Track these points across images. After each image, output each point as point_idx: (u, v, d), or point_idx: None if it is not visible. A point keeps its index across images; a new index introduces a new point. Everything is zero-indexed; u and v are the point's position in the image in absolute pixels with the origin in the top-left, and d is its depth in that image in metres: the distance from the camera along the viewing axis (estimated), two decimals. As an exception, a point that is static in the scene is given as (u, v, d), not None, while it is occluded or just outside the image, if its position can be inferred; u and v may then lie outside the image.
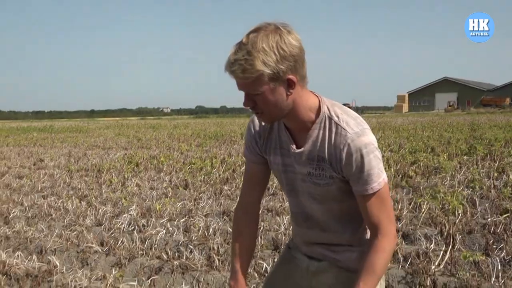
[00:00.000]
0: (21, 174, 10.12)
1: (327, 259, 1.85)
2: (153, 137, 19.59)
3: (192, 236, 4.74)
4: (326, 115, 1.61)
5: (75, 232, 5.19)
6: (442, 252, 3.90)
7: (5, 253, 4.62)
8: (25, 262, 4.38)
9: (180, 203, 6.16)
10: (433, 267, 3.70)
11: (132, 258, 4.38)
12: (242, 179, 1.95)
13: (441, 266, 3.74)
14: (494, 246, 4.15)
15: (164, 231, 4.96)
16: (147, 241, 4.70)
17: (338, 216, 1.76)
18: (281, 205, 5.73)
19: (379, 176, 1.58)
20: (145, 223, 5.34)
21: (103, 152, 14.15)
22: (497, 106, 53.05)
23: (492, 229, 4.55)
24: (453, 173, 7.52)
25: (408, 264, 3.80)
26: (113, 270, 4.13)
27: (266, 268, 3.86)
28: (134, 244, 4.68)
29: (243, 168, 3.38)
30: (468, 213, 5.05)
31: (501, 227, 4.55)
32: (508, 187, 6.21)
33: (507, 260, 3.85)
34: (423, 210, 5.16)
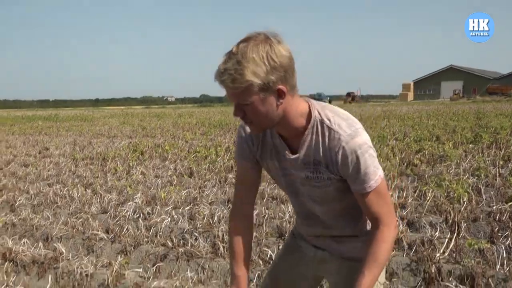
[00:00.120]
0: (27, 162, 10.16)
1: (331, 249, 1.89)
2: (157, 126, 19.59)
3: (197, 224, 4.75)
4: (318, 120, 1.62)
5: (80, 220, 5.22)
6: (447, 240, 3.90)
7: (12, 240, 4.65)
8: (31, 249, 4.41)
9: (185, 191, 6.17)
10: (437, 254, 3.70)
11: (138, 245, 4.40)
12: (235, 184, 1.94)
13: (446, 254, 3.74)
14: (499, 234, 4.14)
15: (169, 218, 4.98)
16: (152, 228, 4.72)
17: (339, 214, 1.79)
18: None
19: (376, 174, 1.60)
20: (150, 211, 5.36)
21: (108, 141, 14.17)
22: (503, 95, 52.63)
23: (497, 217, 4.53)
24: (458, 161, 7.49)
25: (413, 252, 3.80)
26: (119, 257, 4.15)
27: (270, 255, 3.87)
28: (139, 231, 4.70)
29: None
30: (473, 201, 5.04)
31: (506, 215, 4.53)
32: (514, 175, 6.18)
33: (512, 248, 3.84)
34: (428, 198, 5.15)
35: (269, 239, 4.34)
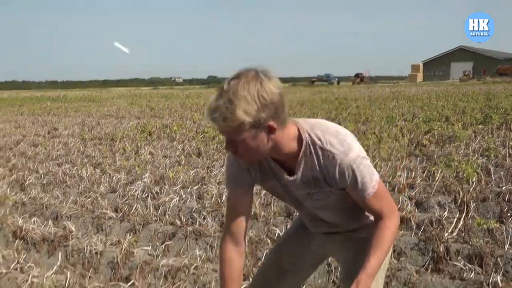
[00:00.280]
0: (36, 142, 10.21)
1: (339, 234, 1.96)
2: (165, 107, 19.60)
3: (205, 203, 4.76)
4: (309, 142, 1.66)
5: (89, 199, 5.25)
6: (455, 220, 3.88)
7: (22, 219, 4.69)
8: (41, 227, 4.45)
9: (193, 171, 6.19)
10: (446, 234, 3.69)
11: (146, 224, 4.43)
12: (226, 211, 1.92)
13: (454, 234, 3.73)
14: (509, 214, 4.13)
15: (178, 198, 4.99)
16: (160, 207, 4.75)
17: (343, 214, 1.87)
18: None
19: (372, 180, 1.67)
20: (158, 190, 5.38)
21: (116, 121, 14.21)
22: (513, 76, 52.06)
23: (506, 197, 4.51)
24: (468, 142, 7.44)
25: (421, 232, 3.79)
26: (128, 235, 4.18)
27: (278, 234, 3.88)
28: (148, 210, 4.73)
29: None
30: (483, 181, 5.01)
31: (516, 195, 4.51)
32: (524, 156, 6.14)
33: (522, 228, 3.82)
34: (437, 178, 5.13)
35: (277, 218, 4.35)
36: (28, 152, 8.80)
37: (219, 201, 4.81)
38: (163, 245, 4.00)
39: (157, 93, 37.52)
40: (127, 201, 5.08)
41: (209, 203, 4.75)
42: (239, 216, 1.84)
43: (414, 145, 7.53)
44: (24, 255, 3.95)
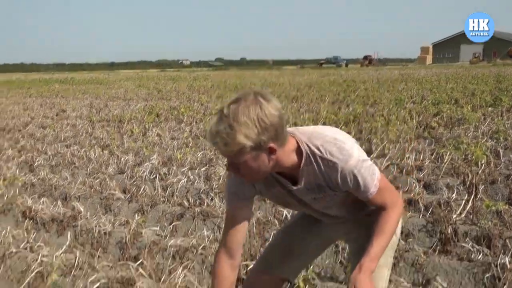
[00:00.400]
0: (44, 124, 10.26)
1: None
2: (173, 89, 19.58)
3: (213, 184, 4.77)
4: (309, 153, 1.69)
5: (98, 180, 5.28)
6: (464, 201, 3.86)
7: (31, 199, 4.73)
8: (50, 208, 4.49)
9: (200, 153, 6.19)
10: (454, 216, 3.68)
11: (154, 205, 4.45)
12: (224, 225, 1.91)
13: (463, 215, 3.72)
14: (518, 196, 4.11)
15: (185, 179, 5.01)
16: (168, 188, 4.76)
17: (349, 208, 1.90)
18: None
19: (373, 180, 1.71)
20: (166, 172, 5.39)
21: (124, 103, 14.22)
22: (524, 58, 51.48)
23: (516, 180, 4.48)
24: (477, 124, 7.38)
25: (429, 213, 3.78)
26: (136, 216, 4.20)
27: (286, 215, 3.88)
28: (156, 191, 4.75)
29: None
30: (492, 163, 4.98)
31: (525, 178, 4.48)
32: (534, 138, 6.08)
33: (531, 210, 3.80)
34: (446, 160, 5.10)
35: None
36: (37, 134, 8.85)
37: (227, 183, 4.81)
38: (171, 226, 4.02)
39: (164, 75, 37.47)
40: (135, 182, 5.11)
41: (216, 184, 4.76)
42: (237, 229, 1.84)
43: (423, 127, 7.48)
44: (33, 234, 3.98)
